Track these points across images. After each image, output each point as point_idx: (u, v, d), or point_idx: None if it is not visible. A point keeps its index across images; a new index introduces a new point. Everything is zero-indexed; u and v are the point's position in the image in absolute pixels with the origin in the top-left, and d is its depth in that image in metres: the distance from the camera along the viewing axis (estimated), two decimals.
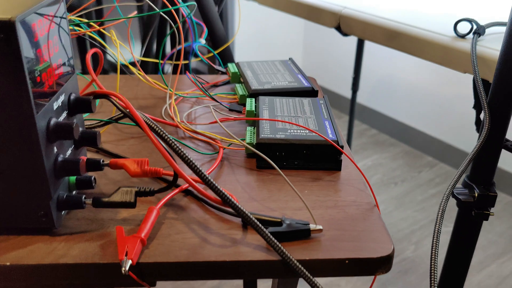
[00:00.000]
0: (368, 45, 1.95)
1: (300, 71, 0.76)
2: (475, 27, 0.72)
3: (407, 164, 2.20)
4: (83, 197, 0.45)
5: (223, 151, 0.58)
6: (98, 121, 0.57)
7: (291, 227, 0.45)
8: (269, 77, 0.73)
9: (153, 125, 0.42)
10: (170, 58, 1.09)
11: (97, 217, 0.47)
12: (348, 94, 2.49)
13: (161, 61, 0.70)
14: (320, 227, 0.45)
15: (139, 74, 0.73)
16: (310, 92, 0.70)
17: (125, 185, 0.47)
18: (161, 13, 0.60)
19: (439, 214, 0.53)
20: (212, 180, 0.42)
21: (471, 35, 0.73)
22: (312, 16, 0.97)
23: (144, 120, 0.42)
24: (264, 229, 0.42)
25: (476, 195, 0.65)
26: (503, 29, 0.78)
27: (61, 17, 0.45)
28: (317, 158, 0.56)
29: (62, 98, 0.45)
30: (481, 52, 0.68)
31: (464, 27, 0.74)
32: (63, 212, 0.45)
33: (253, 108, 0.63)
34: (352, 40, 1.68)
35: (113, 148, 0.59)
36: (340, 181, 0.54)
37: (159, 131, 0.42)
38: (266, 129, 0.57)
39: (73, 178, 0.46)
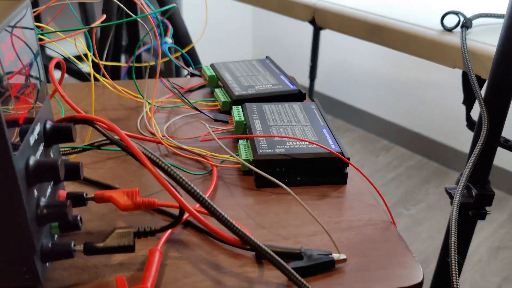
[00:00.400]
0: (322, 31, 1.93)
1: (281, 71, 0.71)
2: (462, 19, 0.70)
3: (364, 149, 2.21)
4: (72, 244, 0.38)
5: (216, 170, 0.52)
6: (73, 148, 0.49)
7: (313, 259, 0.40)
8: (250, 80, 0.67)
9: (155, 159, 0.36)
10: (136, 61, 1.00)
11: (88, 263, 0.40)
12: (301, 81, 2.47)
13: (134, 64, 0.63)
14: (344, 256, 0.41)
15: (105, 82, 0.66)
16: (297, 95, 0.65)
17: (119, 225, 0.41)
18: (139, 20, 0.53)
19: (453, 225, 0.50)
20: (230, 220, 0.36)
21: (458, 29, 0.70)
22: (283, 9, 0.92)
23: (144, 152, 0.36)
24: (288, 267, 0.38)
25: (474, 195, 0.63)
26: (490, 20, 0.77)
27: (30, 29, 0.38)
28: (321, 172, 0.51)
29: (37, 129, 0.37)
30: (471, 46, 0.65)
31: (450, 20, 0.71)
32: (48, 263, 0.38)
33: (242, 118, 0.58)
34: (304, 26, 1.64)
35: (90, 173, 0.52)
36: (348, 196, 0.50)
37: (163, 165, 0.35)
38: (263, 143, 0.52)
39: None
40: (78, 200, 0.42)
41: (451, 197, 0.66)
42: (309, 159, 0.51)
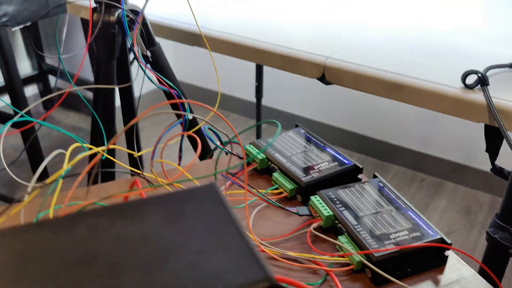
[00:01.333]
0: None
1: (323, 142, 0.73)
2: (481, 77, 0.77)
3: None
4: None
5: (334, 276, 0.54)
6: None
7: None
8: (304, 159, 0.69)
9: None
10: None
11: None
12: (245, 96, 2.49)
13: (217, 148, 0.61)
14: None
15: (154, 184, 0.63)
16: (354, 170, 0.68)
17: None
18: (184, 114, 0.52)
19: None
20: None
21: (479, 86, 0.78)
22: (289, 67, 0.92)
23: None
24: None
25: None
26: (499, 71, 0.85)
27: None
28: (425, 259, 0.55)
29: None
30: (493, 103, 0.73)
31: (469, 78, 0.78)
32: None
33: (331, 213, 0.59)
34: None
35: None
36: (455, 278, 0.55)
37: None
38: (371, 241, 0.55)
39: None
40: None
41: (496, 241, 0.74)
42: (418, 251, 0.54)
